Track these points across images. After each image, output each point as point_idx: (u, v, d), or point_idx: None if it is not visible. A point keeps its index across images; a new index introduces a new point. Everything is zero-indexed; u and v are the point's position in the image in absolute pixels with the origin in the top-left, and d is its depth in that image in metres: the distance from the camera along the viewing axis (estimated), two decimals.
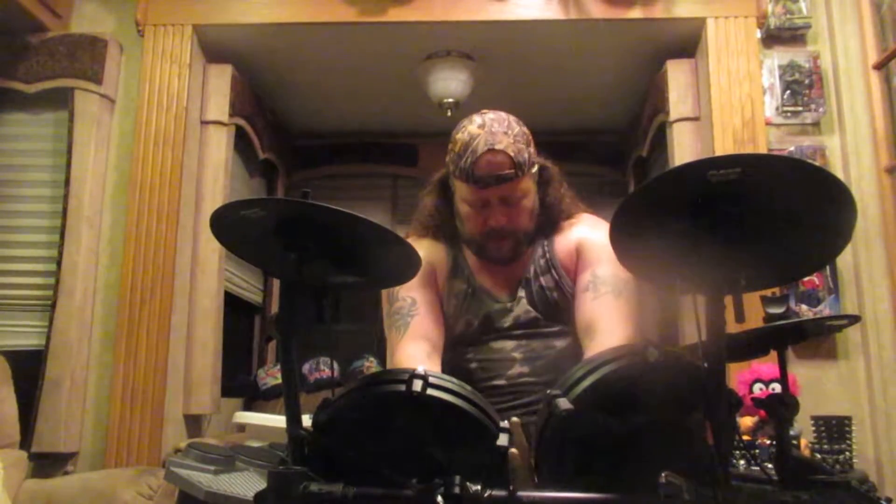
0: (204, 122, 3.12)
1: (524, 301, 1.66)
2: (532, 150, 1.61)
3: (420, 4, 3.00)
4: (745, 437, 2.29)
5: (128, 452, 2.70)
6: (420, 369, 1.11)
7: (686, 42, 3.05)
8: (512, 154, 1.54)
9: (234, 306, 3.54)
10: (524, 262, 1.71)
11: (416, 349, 1.59)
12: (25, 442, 2.60)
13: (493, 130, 1.55)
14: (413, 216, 1.83)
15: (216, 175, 3.11)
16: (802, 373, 2.63)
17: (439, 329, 1.67)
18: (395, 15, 2.99)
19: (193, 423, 3.01)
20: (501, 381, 1.59)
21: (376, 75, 3.56)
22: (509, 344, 1.63)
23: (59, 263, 2.76)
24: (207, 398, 2.97)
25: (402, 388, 1.09)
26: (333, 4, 3.00)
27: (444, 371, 1.61)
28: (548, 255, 1.70)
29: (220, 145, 3.14)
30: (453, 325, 1.68)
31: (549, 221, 1.72)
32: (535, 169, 1.64)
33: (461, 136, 1.58)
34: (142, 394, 2.75)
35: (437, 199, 1.75)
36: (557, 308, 1.66)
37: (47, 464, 2.66)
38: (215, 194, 3.09)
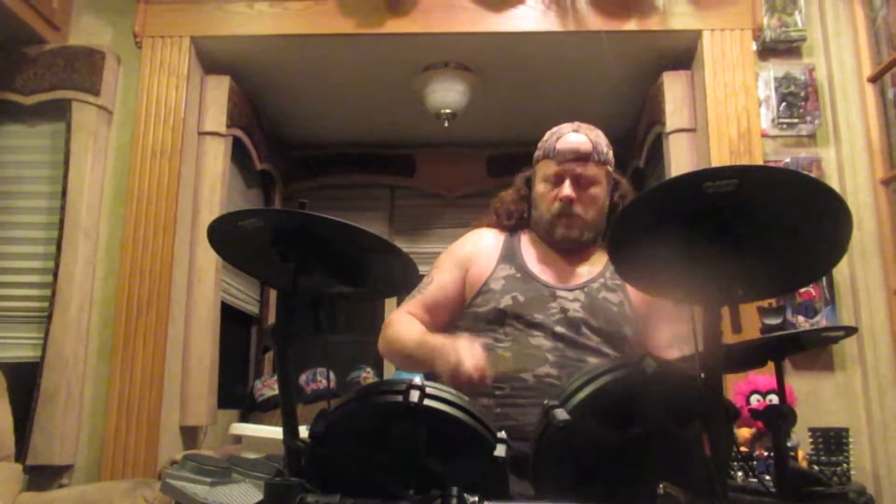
0: (201, 134, 3.12)
1: (579, 303, 1.71)
2: (611, 153, 1.84)
3: (417, 16, 3.01)
4: (743, 449, 2.29)
5: (124, 464, 2.68)
6: (417, 380, 1.11)
7: (682, 54, 3.06)
8: (592, 139, 1.81)
9: (230, 317, 3.53)
10: (585, 267, 1.80)
11: (410, 318, 1.78)
12: (21, 454, 2.57)
13: (581, 126, 1.85)
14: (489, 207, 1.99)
15: (213, 186, 3.11)
16: (799, 384, 2.63)
17: (440, 311, 1.81)
18: (393, 26, 3.00)
19: (190, 435, 2.99)
20: (528, 376, 1.62)
21: (374, 86, 3.56)
22: (546, 343, 1.66)
23: (55, 275, 2.75)
24: (204, 409, 2.95)
25: (399, 398, 1.09)
26: (331, 16, 3.01)
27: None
28: (619, 279, 1.76)
29: (217, 156, 3.14)
30: (499, 299, 1.72)
31: None
32: (610, 168, 1.84)
33: (552, 129, 1.87)
34: (138, 405, 2.73)
35: (515, 191, 1.94)
36: (607, 321, 1.71)
37: (43, 476, 2.64)
38: (212, 205, 3.09)
